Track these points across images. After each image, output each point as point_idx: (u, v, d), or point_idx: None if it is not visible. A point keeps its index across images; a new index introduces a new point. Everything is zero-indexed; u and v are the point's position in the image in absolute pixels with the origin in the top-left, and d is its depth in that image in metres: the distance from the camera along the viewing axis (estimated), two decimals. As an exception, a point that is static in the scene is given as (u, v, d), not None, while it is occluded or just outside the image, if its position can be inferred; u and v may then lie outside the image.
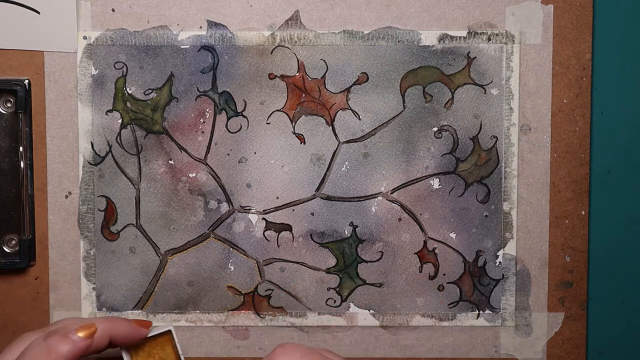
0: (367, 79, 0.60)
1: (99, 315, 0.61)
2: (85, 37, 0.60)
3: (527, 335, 0.61)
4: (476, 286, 0.61)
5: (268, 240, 0.61)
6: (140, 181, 0.60)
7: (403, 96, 0.60)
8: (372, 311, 0.61)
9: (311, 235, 0.61)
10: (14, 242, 0.60)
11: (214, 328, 0.61)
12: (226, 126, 0.60)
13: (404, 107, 0.60)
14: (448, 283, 0.61)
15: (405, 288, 0.61)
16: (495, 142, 0.60)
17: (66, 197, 0.60)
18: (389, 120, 0.60)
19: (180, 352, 0.58)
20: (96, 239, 0.61)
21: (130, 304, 0.61)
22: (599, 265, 0.61)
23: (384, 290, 0.61)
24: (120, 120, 0.60)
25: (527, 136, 0.60)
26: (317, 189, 0.61)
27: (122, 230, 0.61)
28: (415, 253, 0.61)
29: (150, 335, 0.57)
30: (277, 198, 0.61)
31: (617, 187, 0.61)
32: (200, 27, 0.60)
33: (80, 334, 0.53)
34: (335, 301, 0.61)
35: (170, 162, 0.60)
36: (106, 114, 0.60)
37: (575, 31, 0.60)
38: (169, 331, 0.57)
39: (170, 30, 0.60)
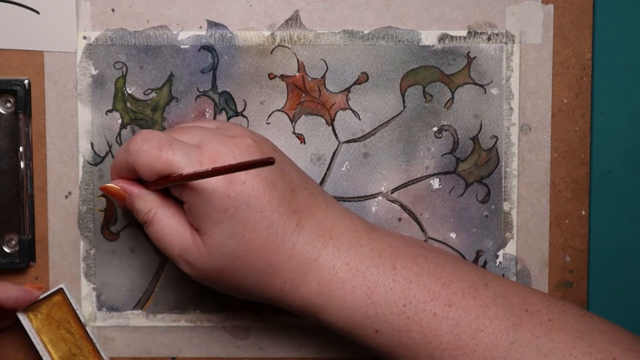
0: (367, 78, 0.60)
1: (99, 315, 0.61)
2: (85, 37, 0.60)
3: (527, 335, 0.61)
4: (476, 286, 0.61)
5: (268, 240, 0.61)
6: (140, 181, 0.60)
7: (403, 96, 0.60)
8: (372, 311, 0.61)
9: (311, 235, 0.61)
10: (14, 242, 0.60)
11: (214, 328, 0.61)
12: (226, 126, 0.60)
13: (404, 107, 0.60)
14: (448, 283, 0.61)
15: (405, 288, 0.61)
16: (496, 142, 0.60)
17: (66, 197, 0.60)
18: (389, 120, 0.60)
19: (75, 308, 0.59)
20: (96, 239, 0.61)
21: (130, 304, 0.61)
22: (599, 265, 0.61)
23: (384, 290, 0.61)
24: (120, 120, 0.60)
25: (527, 136, 0.60)
26: (317, 189, 0.61)
27: (122, 230, 0.61)
28: (415, 253, 0.61)
29: (43, 296, 0.59)
30: (277, 198, 0.61)
31: (617, 187, 0.61)
32: (200, 27, 0.60)
33: None
34: (335, 301, 0.61)
35: (170, 162, 0.60)
36: (106, 114, 0.60)
37: (576, 31, 0.60)
38: (61, 289, 0.59)
39: (170, 30, 0.60)
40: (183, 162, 0.51)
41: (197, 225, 0.52)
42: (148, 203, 0.54)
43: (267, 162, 0.45)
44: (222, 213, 0.51)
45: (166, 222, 0.53)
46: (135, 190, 0.54)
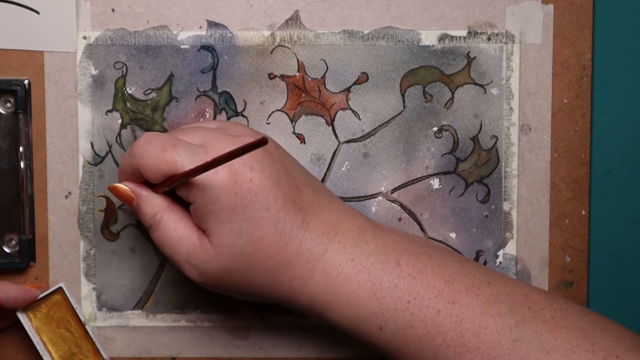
0: (367, 78, 0.60)
1: (99, 315, 0.61)
2: (85, 37, 0.60)
3: (527, 335, 0.61)
4: (476, 286, 0.61)
5: (268, 240, 0.61)
6: (140, 181, 0.60)
7: (403, 96, 0.60)
8: (372, 311, 0.61)
9: (311, 235, 0.61)
10: (14, 242, 0.60)
11: (214, 328, 0.61)
12: (226, 126, 0.60)
13: (404, 107, 0.60)
14: (448, 283, 0.61)
15: (405, 288, 0.61)
16: (496, 142, 0.60)
17: (66, 197, 0.60)
18: (389, 120, 0.60)
19: (75, 307, 0.59)
20: (96, 239, 0.61)
21: (130, 304, 0.61)
22: (599, 265, 0.61)
23: (384, 290, 0.61)
24: (120, 120, 0.60)
25: (527, 136, 0.60)
26: (317, 189, 0.61)
27: (122, 230, 0.61)
28: (415, 253, 0.61)
29: (42, 295, 0.59)
30: (277, 198, 0.61)
31: (617, 187, 0.61)
32: (200, 27, 0.60)
33: None
34: (335, 301, 0.61)
35: (170, 162, 0.60)
36: (106, 114, 0.60)
37: (576, 31, 0.60)
38: (60, 288, 0.59)
39: (170, 30, 0.60)
40: (187, 162, 0.51)
41: (204, 226, 0.52)
42: (155, 206, 0.54)
43: (261, 143, 0.45)
44: (229, 211, 0.51)
45: (172, 225, 0.53)
46: (142, 192, 0.54)
